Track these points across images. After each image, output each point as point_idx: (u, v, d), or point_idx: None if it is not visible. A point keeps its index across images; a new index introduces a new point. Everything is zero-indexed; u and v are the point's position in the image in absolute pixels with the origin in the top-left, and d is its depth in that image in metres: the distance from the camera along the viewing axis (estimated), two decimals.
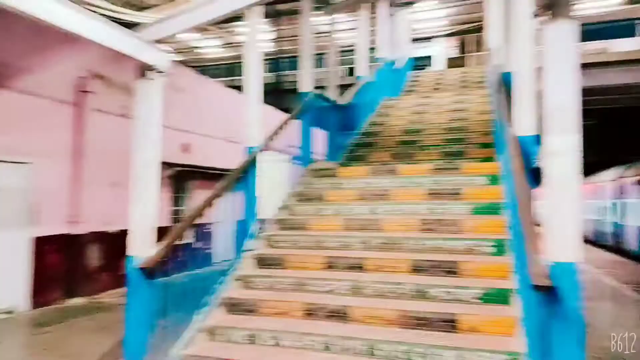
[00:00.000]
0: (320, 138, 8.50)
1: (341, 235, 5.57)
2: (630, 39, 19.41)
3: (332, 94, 9.18)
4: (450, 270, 4.81)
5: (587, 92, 18.31)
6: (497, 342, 3.87)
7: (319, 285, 4.87)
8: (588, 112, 26.13)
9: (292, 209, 6.41)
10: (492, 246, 4.91)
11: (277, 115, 14.52)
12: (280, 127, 6.58)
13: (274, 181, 6.70)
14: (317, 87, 8.56)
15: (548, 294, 2.87)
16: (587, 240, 20.63)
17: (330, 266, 5.19)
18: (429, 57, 25.73)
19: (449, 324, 4.17)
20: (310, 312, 4.57)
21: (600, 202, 18.86)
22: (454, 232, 5.40)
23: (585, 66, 16.93)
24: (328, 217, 6.08)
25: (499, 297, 4.28)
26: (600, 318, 7.42)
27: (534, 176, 4.37)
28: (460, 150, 8.22)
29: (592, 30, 18.53)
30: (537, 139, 4.68)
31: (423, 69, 24.61)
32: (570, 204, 2.90)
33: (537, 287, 2.79)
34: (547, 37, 2.91)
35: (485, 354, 3.74)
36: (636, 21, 19.05)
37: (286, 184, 6.96)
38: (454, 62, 24.34)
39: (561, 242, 2.91)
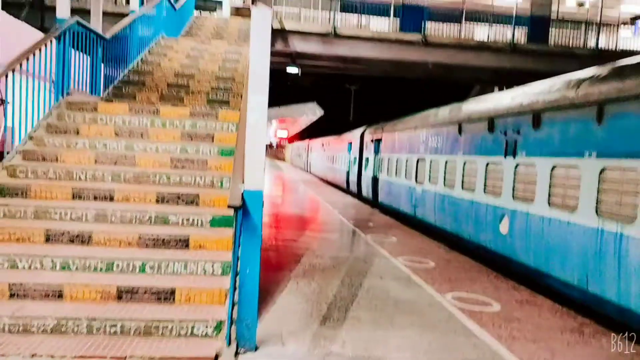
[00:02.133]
0: (86, 69, 8.16)
1: (92, 168, 5.83)
2: (386, 18, 22.94)
3: (97, 21, 8.76)
4: (192, 201, 5.67)
5: (347, 60, 21.36)
6: (217, 255, 4.93)
7: (64, 213, 5.13)
8: (351, 78, 30.50)
9: (41, 140, 6.25)
10: (228, 181, 5.94)
11: (35, 36, 12.81)
12: (31, 50, 6.20)
13: (23, 110, 6.34)
14: (80, 11, 8.08)
15: (240, 212, 3.96)
16: (340, 188, 24.62)
17: (77, 196, 5.46)
18: (220, 1, 25.58)
19: (183, 243, 5.06)
20: (52, 238, 4.85)
21: (349, 155, 22.66)
22: (202, 170, 6.26)
23: (346, 37, 19.70)
24: (81, 150, 6.20)
25: (225, 221, 5.33)
26: (316, 243, 9.50)
27: None
28: (224, 99, 9.07)
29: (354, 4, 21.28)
30: None
31: (214, 10, 24.45)
32: (259, 147, 3.98)
33: (231, 206, 3.83)
34: (252, 16, 3.80)
35: (206, 264, 4.78)
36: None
37: (38, 113, 6.65)
38: (241, 12, 24.85)
39: (251, 176, 3.99)
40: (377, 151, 17.33)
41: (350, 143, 22.52)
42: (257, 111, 3.88)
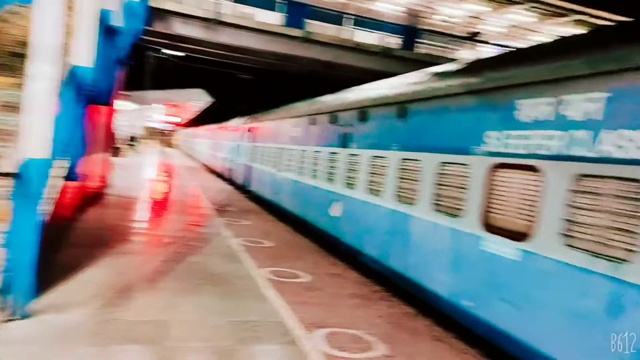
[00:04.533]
0: None
1: None
2: (274, 12, 23.25)
3: None
4: None
5: (232, 49, 21.27)
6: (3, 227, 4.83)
7: None
8: (247, 67, 30.48)
9: None
10: None
11: None
12: None
13: None
14: None
15: (17, 179, 3.98)
16: (223, 177, 24.54)
17: None
18: None
19: None
20: None
21: (229, 144, 22.69)
22: (9, 140, 6.01)
23: (228, 25, 19.68)
24: None
25: None
26: (165, 224, 9.55)
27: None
28: None
29: None
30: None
31: None
32: (44, 116, 4.04)
33: (3, 174, 3.85)
34: None
35: None
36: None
37: None
38: None
39: (33, 144, 4.04)
40: (249, 140, 17.64)
41: (231, 132, 22.57)
42: (43, 80, 3.93)
